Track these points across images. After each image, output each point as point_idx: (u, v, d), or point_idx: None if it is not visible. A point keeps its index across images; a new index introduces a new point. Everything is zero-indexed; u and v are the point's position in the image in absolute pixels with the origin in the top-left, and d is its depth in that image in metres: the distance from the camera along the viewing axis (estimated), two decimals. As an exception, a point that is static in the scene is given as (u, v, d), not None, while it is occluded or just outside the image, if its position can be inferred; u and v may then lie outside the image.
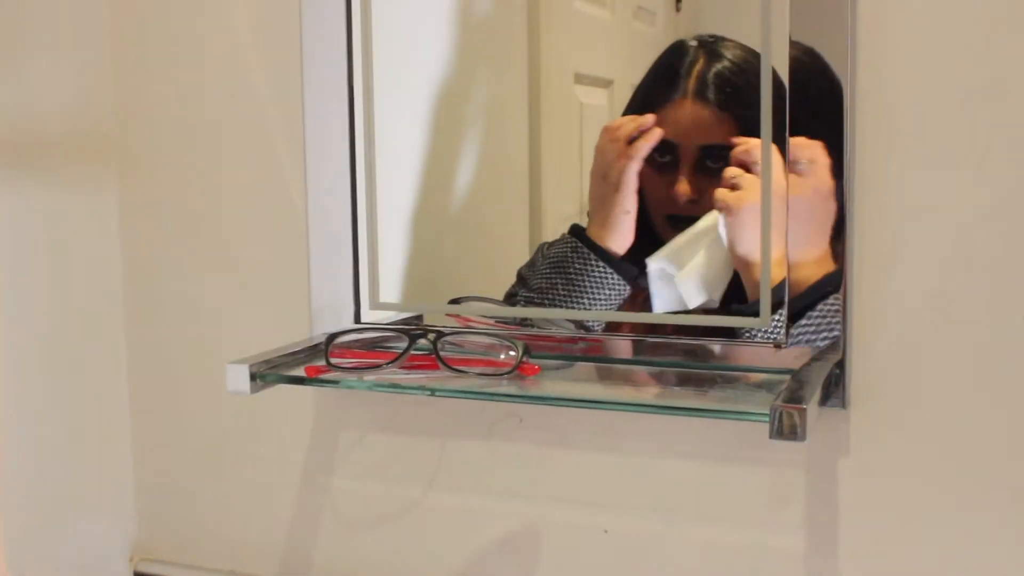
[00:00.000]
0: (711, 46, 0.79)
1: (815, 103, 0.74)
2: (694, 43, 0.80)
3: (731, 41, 0.79)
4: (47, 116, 0.99)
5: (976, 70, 0.72)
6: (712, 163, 0.79)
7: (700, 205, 0.81)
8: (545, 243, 0.87)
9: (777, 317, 0.77)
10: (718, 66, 0.78)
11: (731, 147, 0.78)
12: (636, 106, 0.82)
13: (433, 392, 0.82)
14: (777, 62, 0.75)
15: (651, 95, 0.82)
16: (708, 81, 0.79)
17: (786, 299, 0.76)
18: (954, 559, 0.76)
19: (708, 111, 0.79)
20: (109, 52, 1.04)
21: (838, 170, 0.74)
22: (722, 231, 0.79)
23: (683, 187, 0.80)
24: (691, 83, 0.79)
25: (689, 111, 0.80)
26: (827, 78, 0.74)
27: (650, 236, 0.83)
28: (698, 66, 0.79)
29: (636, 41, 0.85)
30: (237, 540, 1.04)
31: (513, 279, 0.90)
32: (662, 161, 0.81)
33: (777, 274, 0.76)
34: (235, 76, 0.98)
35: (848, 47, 0.73)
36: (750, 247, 0.77)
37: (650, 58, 0.83)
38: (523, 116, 0.88)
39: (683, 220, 0.82)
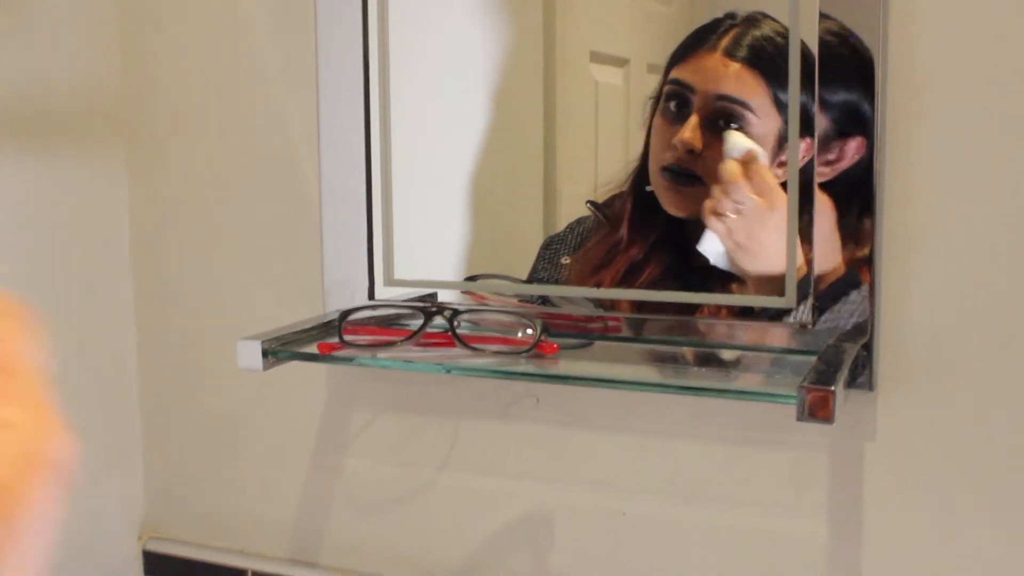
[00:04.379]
0: (753, 18, 0.78)
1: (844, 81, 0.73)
2: (739, 14, 0.79)
3: (777, 21, 0.77)
4: (55, 92, 0.97)
5: (1011, 46, 0.70)
6: (724, 123, 0.77)
7: (700, 161, 0.78)
8: None
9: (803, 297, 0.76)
10: (755, 32, 0.77)
11: (748, 105, 0.76)
12: (669, 63, 0.81)
13: (448, 370, 0.81)
14: (806, 37, 0.73)
15: (682, 50, 0.80)
16: (742, 42, 0.78)
17: (812, 280, 0.75)
18: (980, 546, 0.75)
19: (735, 64, 0.78)
20: (117, 26, 1.02)
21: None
22: (716, 246, 0.78)
23: (687, 135, 0.78)
24: (725, 40, 0.78)
25: (715, 61, 0.78)
26: (858, 54, 0.72)
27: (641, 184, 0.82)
28: (735, 30, 0.78)
29: (652, 20, 0.84)
30: (247, 519, 1.03)
31: (527, 258, 0.88)
32: (676, 112, 0.80)
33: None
34: (246, 50, 0.97)
35: (880, 22, 0.72)
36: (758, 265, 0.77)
37: (666, 37, 0.81)
38: (538, 94, 0.87)
39: (679, 174, 0.80)
